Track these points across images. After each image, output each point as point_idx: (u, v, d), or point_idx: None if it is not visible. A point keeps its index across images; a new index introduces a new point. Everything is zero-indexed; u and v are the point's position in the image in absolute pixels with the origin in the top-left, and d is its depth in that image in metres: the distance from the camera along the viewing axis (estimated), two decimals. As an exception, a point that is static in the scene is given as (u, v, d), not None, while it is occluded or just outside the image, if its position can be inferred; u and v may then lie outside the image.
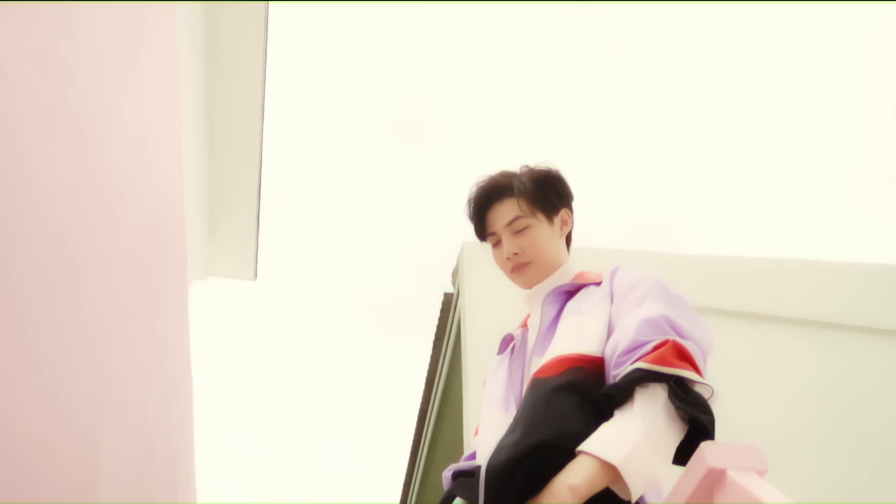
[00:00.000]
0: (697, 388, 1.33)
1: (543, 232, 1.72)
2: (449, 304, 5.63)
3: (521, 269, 1.72)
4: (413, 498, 7.49)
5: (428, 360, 6.31)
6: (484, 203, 1.76)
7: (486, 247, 1.84)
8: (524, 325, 1.78)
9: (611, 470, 1.23)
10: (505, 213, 1.73)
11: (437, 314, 5.85)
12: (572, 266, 1.77)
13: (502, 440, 1.42)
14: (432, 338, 6.09)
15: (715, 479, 1.08)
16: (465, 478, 1.53)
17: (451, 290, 5.60)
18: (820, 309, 5.08)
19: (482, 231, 1.79)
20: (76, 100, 1.24)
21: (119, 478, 1.63)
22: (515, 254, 1.71)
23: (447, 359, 5.78)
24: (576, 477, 1.25)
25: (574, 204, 1.83)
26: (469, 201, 1.79)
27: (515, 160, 1.83)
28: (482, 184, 1.77)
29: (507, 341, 1.81)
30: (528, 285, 1.75)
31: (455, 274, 5.40)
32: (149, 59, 1.92)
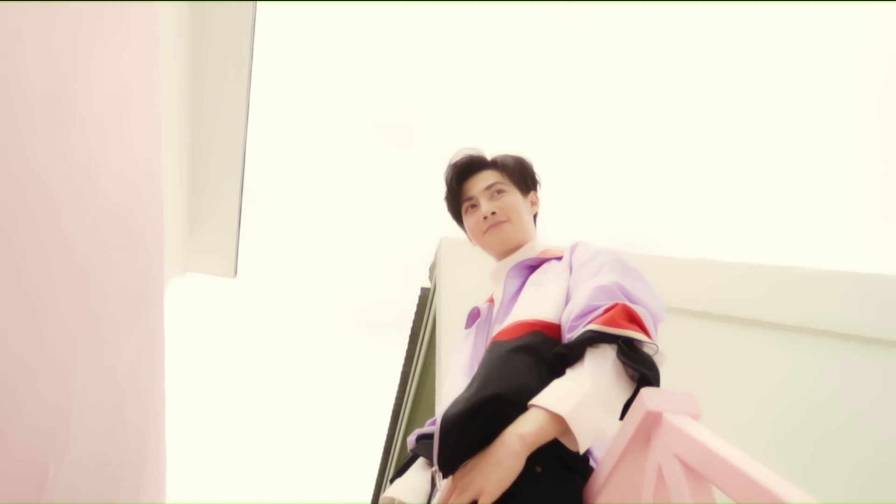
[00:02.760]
0: (645, 349, 1.40)
1: (519, 200, 1.82)
2: (426, 299, 5.66)
3: (497, 226, 1.79)
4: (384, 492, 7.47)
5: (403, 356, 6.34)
6: (465, 170, 1.85)
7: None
8: (490, 300, 1.84)
9: (559, 421, 1.29)
10: (485, 179, 1.83)
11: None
12: (538, 243, 1.84)
13: (459, 395, 1.47)
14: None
15: (653, 421, 1.15)
16: (427, 440, 1.57)
17: (428, 285, 5.63)
18: (816, 317, 5.16)
19: (457, 197, 1.85)
20: (56, 41, 1.28)
21: (90, 420, 1.66)
22: (494, 213, 1.78)
23: (422, 353, 5.80)
24: (525, 426, 1.30)
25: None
26: (450, 166, 1.86)
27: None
28: (463, 156, 1.85)
29: (473, 315, 1.87)
30: (500, 249, 1.82)
31: (432, 269, 5.43)
32: (129, 25, 1.96)
